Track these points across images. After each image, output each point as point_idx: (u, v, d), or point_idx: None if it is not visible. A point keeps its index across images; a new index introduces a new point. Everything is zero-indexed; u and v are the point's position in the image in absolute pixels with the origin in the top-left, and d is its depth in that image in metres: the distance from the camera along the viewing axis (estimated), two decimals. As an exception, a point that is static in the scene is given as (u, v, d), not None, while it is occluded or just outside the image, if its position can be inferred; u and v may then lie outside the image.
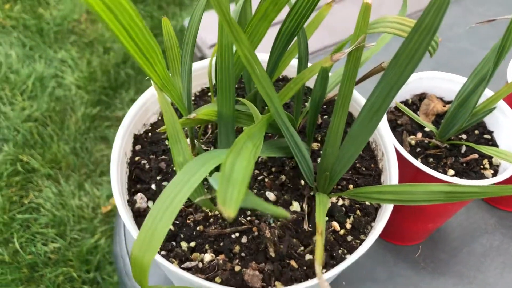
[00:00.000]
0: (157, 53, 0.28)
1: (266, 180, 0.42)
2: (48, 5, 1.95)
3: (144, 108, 0.44)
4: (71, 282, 1.25)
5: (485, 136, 0.52)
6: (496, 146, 0.51)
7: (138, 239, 0.25)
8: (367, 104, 0.34)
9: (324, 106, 0.49)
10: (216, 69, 0.40)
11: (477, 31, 0.89)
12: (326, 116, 0.48)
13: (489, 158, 0.50)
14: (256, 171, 0.43)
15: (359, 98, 0.45)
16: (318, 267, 0.26)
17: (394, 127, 0.51)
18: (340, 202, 0.41)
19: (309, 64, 0.39)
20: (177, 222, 0.39)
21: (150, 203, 0.40)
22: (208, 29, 1.16)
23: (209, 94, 0.49)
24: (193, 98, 0.48)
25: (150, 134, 0.44)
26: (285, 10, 0.35)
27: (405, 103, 0.54)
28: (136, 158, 0.42)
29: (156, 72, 0.28)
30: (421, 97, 0.54)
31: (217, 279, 0.36)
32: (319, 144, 0.45)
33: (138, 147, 0.43)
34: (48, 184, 1.39)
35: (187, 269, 0.36)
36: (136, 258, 0.25)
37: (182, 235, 0.38)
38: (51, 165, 1.44)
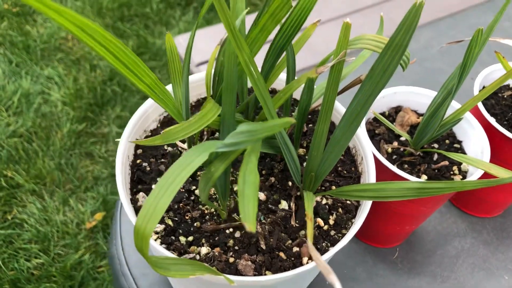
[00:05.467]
0: (143, 68, 0.32)
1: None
2: (35, 23, 1.98)
3: (145, 116, 0.47)
4: (54, 298, 1.25)
5: (455, 145, 0.57)
6: (465, 154, 0.56)
7: (141, 212, 0.28)
8: (347, 112, 0.39)
9: (309, 116, 0.53)
10: (214, 80, 0.45)
11: (450, 52, 0.96)
12: (311, 125, 0.52)
13: (458, 165, 0.55)
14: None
15: (340, 108, 0.50)
16: (310, 242, 0.30)
17: (373, 136, 0.56)
18: (324, 201, 0.45)
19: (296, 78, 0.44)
20: (176, 219, 0.42)
21: (150, 202, 0.43)
22: (196, 49, 1.21)
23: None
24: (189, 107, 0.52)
25: (149, 140, 0.48)
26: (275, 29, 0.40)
27: (382, 115, 0.59)
28: (138, 161, 0.46)
29: (145, 84, 0.32)
30: (397, 109, 0.59)
31: (213, 269, 0.39)
32: (304, 150, 0.50)
33: (139, 151, 0.47)
34: (32, 200, 1.40)
35: (186, 261, 0.40)
36: (139, 228, 0.28)
37: (180, 231, 0.42)
38: (36, 181, 1.44)
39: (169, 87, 0.45)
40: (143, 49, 1.92)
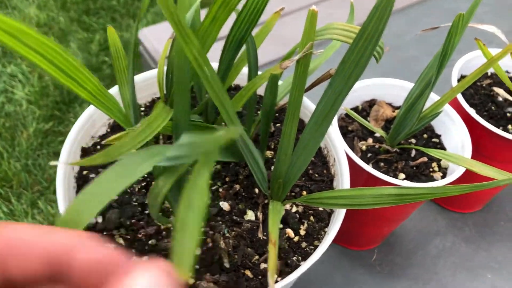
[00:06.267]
0: (84, 73, 0.27)
1: (220, 190, 0.41)
2: (-5, 18, 1.88)
3: (92, 120, 0.42)
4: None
5: (434, 139, 0.54)
6: (444, 149, 0.53)
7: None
8: (316, 110, 0.34)
9: (277, 114, 0.49)
10: (168, 77, 0.40)
11: (424, 39, 0.92)
12: (278, 124, 0.48)
13: (438, 161, 0.51)
14: (210, 181, 0.42)
15: (309, 105, 0.46)
16: (270, 280, 0.25)
17: (345, 133, 0.52)
18: (294, 209, 0.41)
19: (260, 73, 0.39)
20: (129, 237, 0.38)
21: (99, 218, 0.38)
22: (161, 43, 1.15)
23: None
24: (143, 108, 0.47)
25: (99, 146, 0.43)
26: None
27: (355, 109, 0.55)
28: (84, 172, 0.41)
29: (87, 91, 0.27)
30: (371, 103, 0.55)
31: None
32: (272, 152, 0.45)
33: (86, 160, 0.42)
34: (-3, 204, 1.33)
35: (139, 285, 0.35)
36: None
37: (134, 250, 0.37)
38: (1, 184, 1.37)
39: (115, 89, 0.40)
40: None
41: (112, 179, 0.24)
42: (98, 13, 1.96)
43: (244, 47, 0.39)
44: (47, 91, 1.63)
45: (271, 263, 0.25)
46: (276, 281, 0.36)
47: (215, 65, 0.41)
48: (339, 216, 0.39)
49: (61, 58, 0.26)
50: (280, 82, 0.46)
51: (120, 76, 0.37)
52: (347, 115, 0.54)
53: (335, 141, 0.43)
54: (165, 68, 0.40)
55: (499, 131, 0.51)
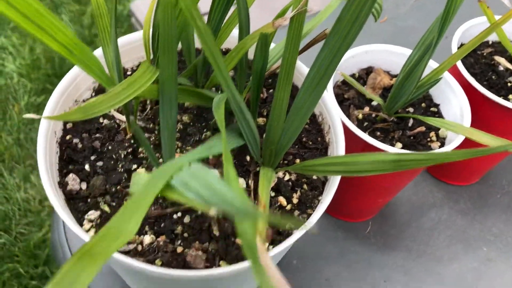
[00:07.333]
0: (54, 22, 0.25)
1: (211, 157, 0.40)
2: (-16, -12, 1.84)
3: (75, 83, 0.40)
4: (18, 278, 1.19)
5: (432, 109, 0.52)
6: (442, 118, 0.51)
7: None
8: (310, 73, 0.33)
9: (270, 80, 0.47)
10: (154, 38, 0.38)
11: (423, 8, 0.90)
12: (271, 90, 0.46)
13: (436, 130, 0.50)
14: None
15: (303, 69, 0.44)
16: (259, 242, 0.24)
17: (341, 101, 0.50)
18: (287, 177, 0.39)
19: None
20: (114, 204, 0.36)
21: (83, 185, 0.37)
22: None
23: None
24: (130, 73, 0.45)
25: (83, 112, 0.41)
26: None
27: (352, 77, 0.53)
28: (67, 137, 0.39)
29: (59, 43, 0.25)
30: (368, 71, 0.53)
31: (158, 261, 0.33)
32: (265, 119, 0.44)
33: (69, 125, 0.40)
34: (-11, 178, 1.32)
35: (125, 252, 0.34)
36: None
37: (119, 218, 0.36)
38: (-7, 158, 1.36)
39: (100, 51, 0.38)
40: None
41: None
42: (91, -16, 1.91)
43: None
44: (38, 64, 1.59)
45: (260, 226, 0.24)
46: (268, 250, 0.35)
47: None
48: (333, 184, 0.37)
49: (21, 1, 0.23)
50: (272, 45, 0.44)
51: (103, 35, 0.35)
52: (343, 82, 0.52)
53: (330, 108, 0.42)
54: (151, 30, 0.38)
55: (500, 100, 0.49)
